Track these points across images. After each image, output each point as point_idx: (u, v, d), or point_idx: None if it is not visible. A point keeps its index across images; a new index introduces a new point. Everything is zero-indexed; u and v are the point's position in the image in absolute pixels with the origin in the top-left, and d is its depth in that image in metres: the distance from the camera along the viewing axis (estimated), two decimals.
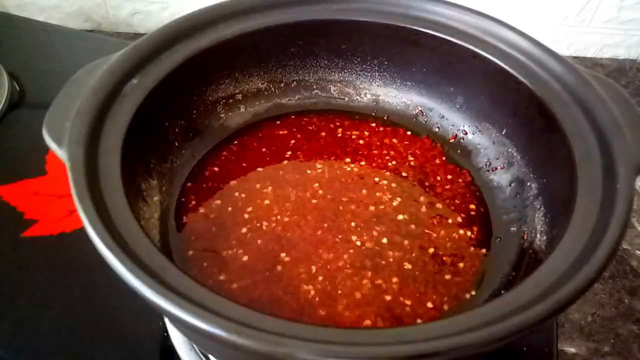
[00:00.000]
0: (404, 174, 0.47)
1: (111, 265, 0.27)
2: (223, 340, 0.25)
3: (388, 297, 0.38)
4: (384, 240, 0.41)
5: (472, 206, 0.45)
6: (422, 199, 0.45)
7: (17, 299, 0.44)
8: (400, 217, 0.43)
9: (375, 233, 0.42)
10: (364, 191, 0.45)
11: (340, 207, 0.43)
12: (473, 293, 0.39)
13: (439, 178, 0.47)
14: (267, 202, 0.44)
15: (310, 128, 0.51)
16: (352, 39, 0.50)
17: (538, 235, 0.40)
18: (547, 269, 0.30)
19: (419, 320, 0.37)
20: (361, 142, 0.50)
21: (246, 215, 0.43)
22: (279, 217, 0.43)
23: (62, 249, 0.48)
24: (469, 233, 0.43)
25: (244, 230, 0.42)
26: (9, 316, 0.43)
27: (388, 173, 0.47)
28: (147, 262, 0.28)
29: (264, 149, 0.49)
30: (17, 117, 0.60)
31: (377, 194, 0.45)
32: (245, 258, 0.40)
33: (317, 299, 0.38)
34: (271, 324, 0.26)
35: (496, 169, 0.46)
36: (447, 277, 0.40)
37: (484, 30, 0.44)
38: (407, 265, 0.40)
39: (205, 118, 0.48)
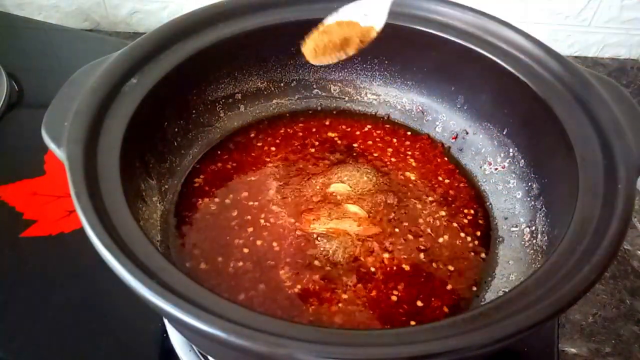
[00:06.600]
0: (404, 174, 0.47)
1: (110, 265, 0.27)
2: (223, 341, 0.25)
3: (387, 298, 0.38)
4: (383, 241, 0.41)
5: (473, 207, 0.45)
6: (422, 199, 0.45)
7: (16, 299, 0.44)
8: (399, 217, 0.43)
9: (373, 234, 0.42)
10: (364, 191, 0.45)
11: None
12: (474, 294, 0.39)
13: (439, 178, 0.47)
14: (266, 200, 0.44)
15: (310, 127, 0.51)
16: None
17: (539, 236, 0.40)
18: (548, 269, 0.30)
19: (418, 321, 0.37)
20: (361, 141, 0.50)
21: (248, 216, 0.42)
22: (278, 215, 0.42)
23: (60, 249, 0.47)
24: (469, 234, 0.43)
25: (244, 232, 0.41)
26: (8, 316, 0.43)
27: (388, 173, 0.47)
28: (146, 262, 0.28)
29: (263, 149, 0.49)
30: (15, 117, 0.60)
31: (377, 193, 0.45)
32: (246, 257, 0.40)
33: (315, 297, 0.37)
34: (271, 324, 0.26)
35: (497, 169, 0.46)
36: (448, 278, 0.40)
37: (485, 30, 0.44)
38: (406, 266, 0.40)
39: (204, 118, 0.48)
